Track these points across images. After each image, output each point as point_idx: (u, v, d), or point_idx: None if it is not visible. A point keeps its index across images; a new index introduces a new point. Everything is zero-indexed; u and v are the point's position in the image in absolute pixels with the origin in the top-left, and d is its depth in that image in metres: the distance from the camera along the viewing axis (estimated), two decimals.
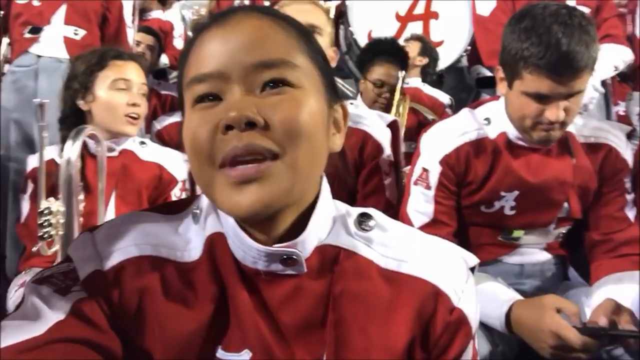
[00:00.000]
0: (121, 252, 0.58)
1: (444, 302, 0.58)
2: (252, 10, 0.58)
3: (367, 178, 1.60)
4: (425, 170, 1.32)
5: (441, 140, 1.32)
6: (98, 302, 0.56)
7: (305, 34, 0.59)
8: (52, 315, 0.53)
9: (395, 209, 1.62)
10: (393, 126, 1.69)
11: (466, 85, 2.96)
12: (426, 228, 1.30)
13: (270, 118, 0.52)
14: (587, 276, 1.37)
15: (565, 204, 1.31)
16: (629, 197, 1.33)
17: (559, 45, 1.11)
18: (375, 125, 1.60)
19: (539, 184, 1.27)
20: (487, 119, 1.31)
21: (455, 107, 2.77)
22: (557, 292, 1.34)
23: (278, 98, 0.53)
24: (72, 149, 1.18)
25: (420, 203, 1.33)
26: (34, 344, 0.50)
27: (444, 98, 2.71)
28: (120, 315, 0.57)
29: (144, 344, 0.57)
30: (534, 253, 1.37)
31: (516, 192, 1.29)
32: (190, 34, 3.80)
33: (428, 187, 1.32)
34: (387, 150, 1.60)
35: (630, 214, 1.33)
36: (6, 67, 2.19)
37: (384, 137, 1.60)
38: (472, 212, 1.33)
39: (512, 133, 1.28)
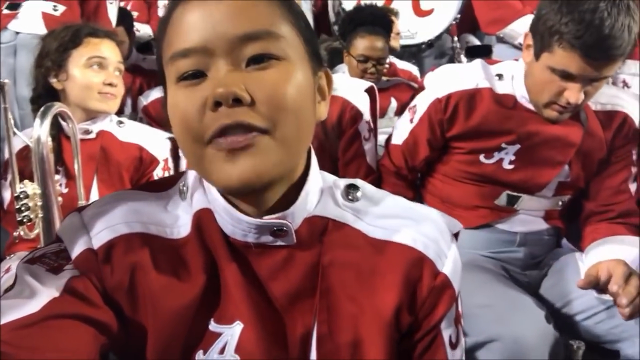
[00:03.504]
0: (111, 230, 0.59)
1: (429, 268, 0.60)
2: None
3: (348, 144, 1.61)
4: (415, 105, 1.37)
5: (438, 83, 1.32)
6: (91, 279, 0.57)
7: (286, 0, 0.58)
8: (47, 293, 0.54)
9: (376, 174, 1.64)
10: (371, 91, 1.67)
11: (443, 52, 2.92)
12: (394, 150, 1.44)
13: (257, 94, 0.52)
14: (576, 244, 1.38)
15: (566, 167, 1.29)
16: (634, 169, 1.32)
17: (601, 28, 1.05)
18: (353, 91, 1.60)
19: (542, 140, 1.26)
20: (499, 75, 1.29)
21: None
22: (549, 259, 1.38)
23: (264, 72, 0.53)
24: (42, 128, 1.15)
25: (401, 127, 1.43)
26: (30, 320, 0.51)
27: (415, 70, 2.65)
28: (113, 292, 0.58)
29: (138, 319, 0.58)
30: (530, 222, 1.36)
31: (518, 146, 1.27)
32: None
33: (411, 121, 1.37)
34: (366, 116, 1.61)
35: (632, 187, 1.32)
36: None
37: (362, 103, 1.60)
38: (471, 161, 1.32)
39: (522, 97, 1.25)
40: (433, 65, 2.93)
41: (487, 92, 1.27)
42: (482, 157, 1.30)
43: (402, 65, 2.64)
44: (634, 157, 1.31)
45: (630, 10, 1.06)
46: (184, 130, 0.54)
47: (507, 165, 1.29)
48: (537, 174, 1.30)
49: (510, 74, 1.28)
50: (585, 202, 1.36)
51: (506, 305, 1.18)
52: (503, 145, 1.28)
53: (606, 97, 1.27)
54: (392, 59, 2.65)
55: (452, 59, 3.01)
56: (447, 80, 1.31)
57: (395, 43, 2.60)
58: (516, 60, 1.30)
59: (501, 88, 1.28)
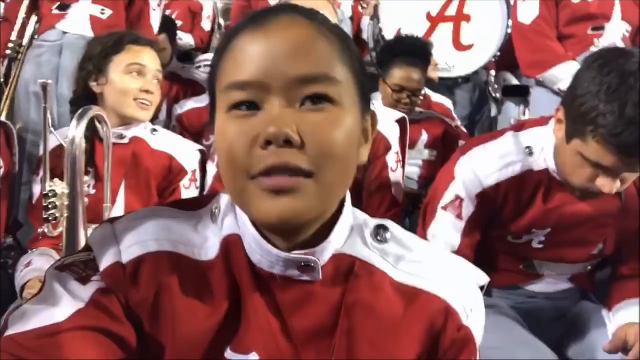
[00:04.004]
0: (141, 245, 0.59)
1: (453, 319, 0.59)
2: (295, 13, 0.56)
3: (374, 175, 1.60)
4: (459, 198, 1.21)
5: (483, 171, 1.19)
6: (116, 293, 0.57)
7: (345, 41, 0.58)
8: (73, 303, 0.55)
9: (400, 207, 1.61)
10: (402, 122, 1.67)
11: (476, 86, 2.90)
12: None
13: (308, 137, 0.52)
14: (602, 299, 1.33)
15: (601, 244, 1.23)
16: None
17: None
18: (384, 121, 1.59)
19: (575, 222, 1.18)
20: (529, 148, 1.18)
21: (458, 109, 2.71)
22: (574, 313, 1.33)
23: (317, 116, 0.53)
24: (77, 130, 1.17)
25: (447, 231, 1.24)
26: (54, 329, 0.53)
27: (449, 103, 2.63)
28: (137, 308, 0.58)
29: (157, 337, 0.58)
30: (556, 283, 1.30)
31: (548, 229, 1.20)
32: (221, 21, 3.78)
33: (460, 217, 1.22)
34: (395, 147, 1.59)
35: None
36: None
37: (392, 134, 1.60)
38: (498, 239, 1.26)
39: (554, 171, 1.17)
40: (464, 99, 2.93)
41: (529, 175, 1.17)
42: (510, 238, 1.24)
43: (437, 98, 2.63)
44: None
45: None
46: (230, 162, 0.54)
47: (536, 245, 1.23)
48: (569, 253, 1.24)
49: (540, 146, 1.18)
50: (615, 264, 1.31)
51: (518, 348, 1.13)
52: (534, 230, 1.21)
53: None
54: (427, 91, 2.65)
55: (485, 94, 2.99)
56: (490, 167, 1.19)
57: (434, 75, 2.59)
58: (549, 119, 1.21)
59: (535, 164, 1.18)
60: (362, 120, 0.59)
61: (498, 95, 2.79)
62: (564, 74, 2.01)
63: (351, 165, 0.57)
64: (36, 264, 1.33)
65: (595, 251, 1.25)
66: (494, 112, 2.89)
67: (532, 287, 1.30)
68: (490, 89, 2.88)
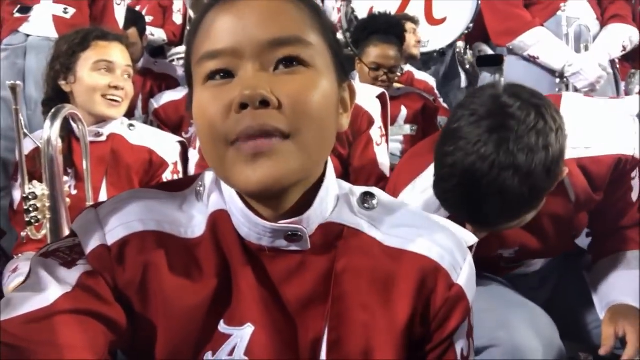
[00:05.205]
0: (125, 226, 0.59)
1: (443, 278, 0.59)
2: None
3: (359, 150, 1.62)
4: None
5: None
6: (103, 275, 0.57)
7: (316, 10, 0.59)
8: (59, 287, 0.54)
9: (387, 180, 1.62)
10: (382, 98, 1.68)
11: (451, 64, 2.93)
12: None
13: (283, 98, 0.52)
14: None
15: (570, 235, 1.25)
16: (634, 182, 1.21)
17: (487, 214, 0.93)
18: (365, 97, 1.60)
19: (538, 237, 1.17)
20: None
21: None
22: (558, 272, 1.35)
23: (291, 77, 0.53)
24: (52, 129, 1.15)
25: None
26: (41, 314, 0.52)
27: (432, 80, 2.66)
28: (125, 289, 0.58)
29: (148, 317, 0.58)
30: (539, 262, 1.33)
31: (516, 248, 1.21)
32: (190, 11, 3.72)
33: None
34: (378, 122, 1.61)
35: (634, 195, 1.23)
36: None
37: (374, 109, 1.61)
38: None
39: None
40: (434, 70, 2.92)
41: None
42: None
43: (420, 75, 2.65)
44: (635, 173, 1.19)
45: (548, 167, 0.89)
46: (207, 130, 0.54)
47: (508, 256, 1.23)
48: (541, 253, 1.26)
49: None
50: (593, 225, 1.29)
51: (507, 309, 1.13)
52: (500, 252, 1.20)
53: (592, 139, 1.10)
54: (410, 68, 2.64)
55: (454, 65, 2.99)
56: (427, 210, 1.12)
57: (416, 51, 2.60)
58: None
59: None
60: (339, 88, 0.59)
61: (468, 66, 2.81)
62: (532, 40, 2.05)
63: (329, 128, 0.57)
64: (23, 269, 1.32)
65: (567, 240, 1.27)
66: (464, 83, 2.92)
67: (518, 271, 1.32)
68: (461, 60, 2.90)
